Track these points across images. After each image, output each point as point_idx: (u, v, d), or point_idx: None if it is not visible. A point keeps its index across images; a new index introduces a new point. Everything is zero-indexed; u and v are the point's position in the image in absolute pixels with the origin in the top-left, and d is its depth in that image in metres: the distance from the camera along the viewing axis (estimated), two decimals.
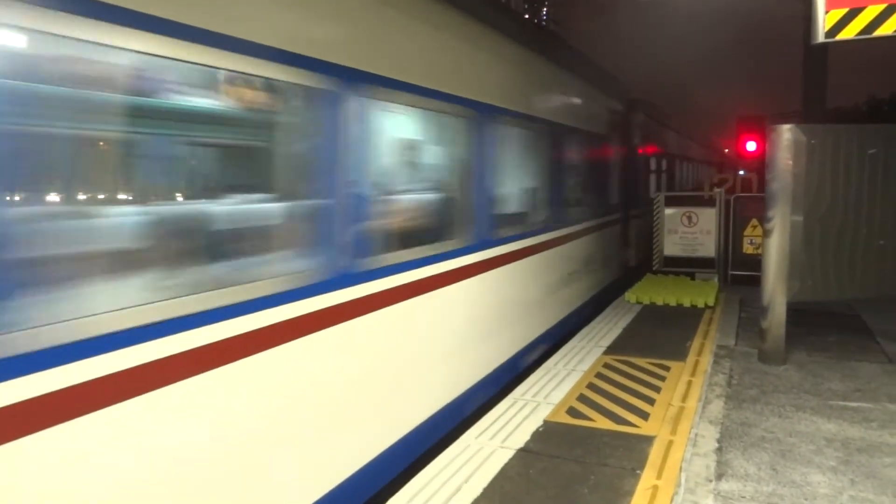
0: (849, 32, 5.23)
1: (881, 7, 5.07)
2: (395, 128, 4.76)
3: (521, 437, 4.40)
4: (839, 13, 5.24)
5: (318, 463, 3.53)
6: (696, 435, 4.43)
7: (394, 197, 4.59)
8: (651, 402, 5.05)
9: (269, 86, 3.36)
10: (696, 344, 6.75)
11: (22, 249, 2.27)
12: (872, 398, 5.12)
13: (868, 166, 6.16)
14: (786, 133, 5.94)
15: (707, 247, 10.21)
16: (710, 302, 8.59)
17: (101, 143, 3.01)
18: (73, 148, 2.87)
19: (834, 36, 5.25)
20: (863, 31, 5.17)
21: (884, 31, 5.06)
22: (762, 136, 13.59)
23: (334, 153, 3.60)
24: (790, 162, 5.92)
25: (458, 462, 4.03)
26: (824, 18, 5.28)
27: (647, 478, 3.82)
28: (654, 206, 10.55)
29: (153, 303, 2.57)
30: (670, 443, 4.30)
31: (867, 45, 5.63)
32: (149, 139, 3.18)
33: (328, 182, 3.59)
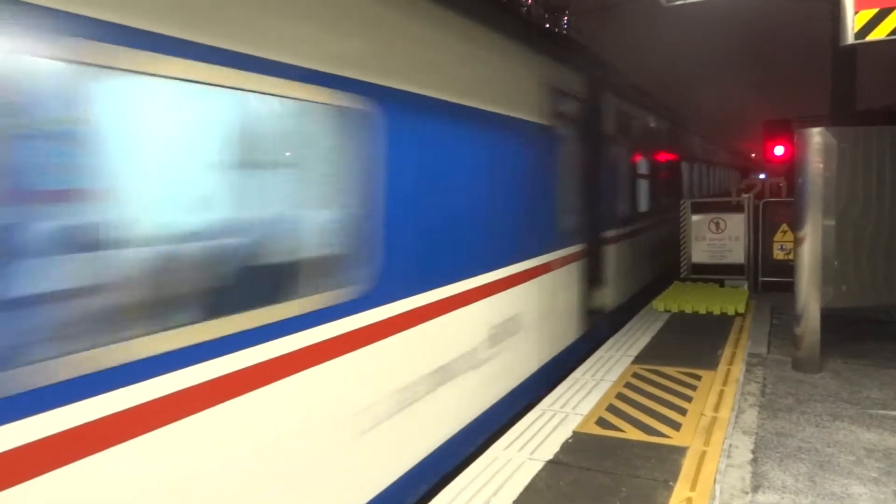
0: (879, 33, 5.12)
1: None
2: None
3: (550, 449, 4.35)
4: (869, 13, 5.14)
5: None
6: (730, 446, 4.33)
7: None
8: (682, 412, 4.96)
9: None
10: (727, 352, 6.62)
11: None
12: None
13: None
14: (815, 136, 5.83)
15: (736, 253, 10.04)
16: (741, 309, 8.43)
17: None
18: None
19: (864, 37, 5.15)
20: (894, 31, 5.06)
21: None
22: (790, 140, 13.35)
23: None
24: (821, 165, 5.80)
25: (486, 474, 3.99)
26: (853, 19, 5.18)
27: (680, 490, 3.74)
28: (681, 213, 10.41)
29: None
30: (703, 454, 4.21)
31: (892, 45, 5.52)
32: None
33: None
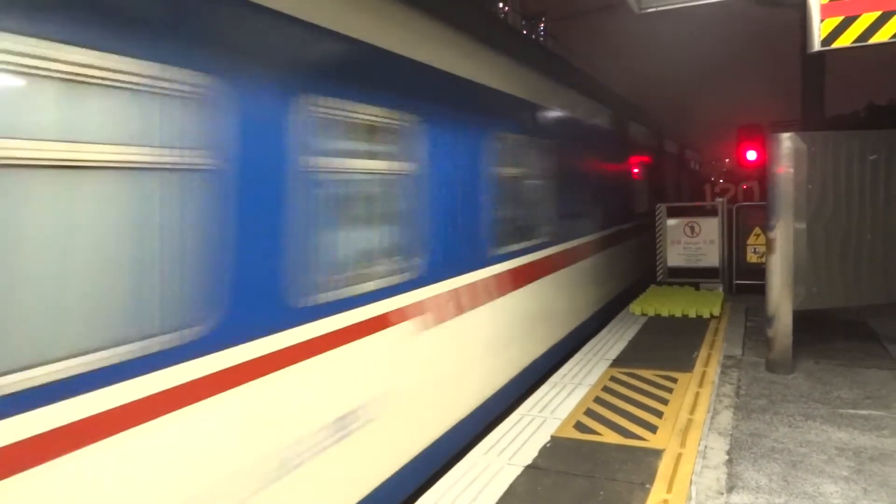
0: (844, 40, 5.25)
1: (876, 14, 5.10)
2: None
3: (529, 454, 4.36)
4: (834, 21, 5.26)
5: None
6: (706, 447, 4.38)
7: None
8: (659, 414, 5.01)
9: None
10: (702, 354, 6.70)
11: None
12: (883, 405, 5.06)
13: (869, 172, 6.16)
14: (785, 141, 5.95)
15: (711, 257, 10.19)
16: (716, 312, 8.55)
17: None
18: None
19: (830, 44, 5.27)
20: (858, 39, 5.19)
21: (879, 38, 5.08)
22: (762, 145, 13.58)
23: None
24: (791, 170, 5.92)
25: (465, 480, 3.99)
26: (820, 27, 5.30)
27: (656, 492, 3.77)
28: (657, 218, 10.54)
29: None
30: (679, 456, 4.25)
31: (865, 52, 5.66)
32: None
33: None
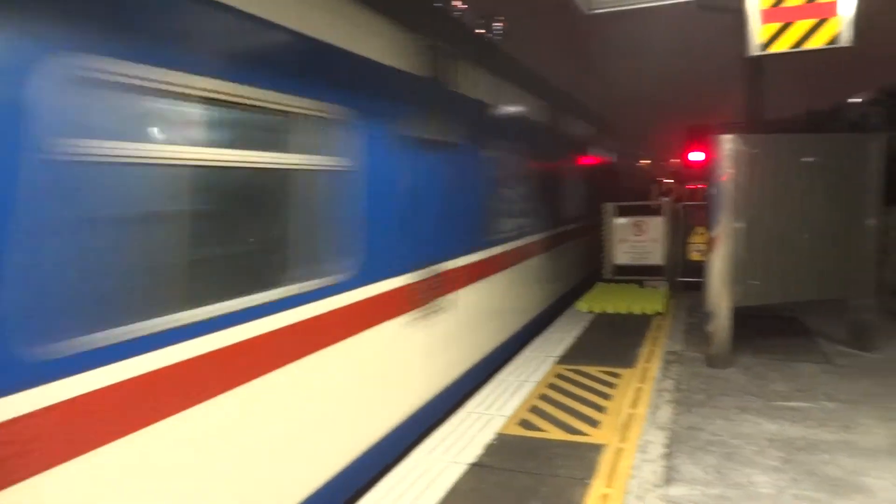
0: (781, 45, 5.46)
1: (812, 22, 5.32)
2: None
3: (474, 452, 4.37)
4: (772, 27, 5.47)
5: None
6: (646, 441, 4.48)
7: None
8: (602, 410, 5.09)
9: None
10: (645, 350, 6.85)
11: None
12: (811, 397, 5.28)
13: (807, 174, 6.38)
14: (727, 143, 6.12)
15: (655, 255, 10.42)
16: (660, 309, 8.75)
17: None
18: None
19: (766, 49, 5.48)
20: (794, 45, 5.41)
21: (812, 44, 5.30)
22: (708, 147, 13.96)
23: None
24: (732, 170, 6.10)
25: (408, 480, 3.97)
26: (758, 32, 5.50)
27: (596, 486, 3.83)
28: (604, 216, 10.72)
29: None
30: (620, 450, 4.33)
31: (804, 59, 5.92)
32: None
33: None
